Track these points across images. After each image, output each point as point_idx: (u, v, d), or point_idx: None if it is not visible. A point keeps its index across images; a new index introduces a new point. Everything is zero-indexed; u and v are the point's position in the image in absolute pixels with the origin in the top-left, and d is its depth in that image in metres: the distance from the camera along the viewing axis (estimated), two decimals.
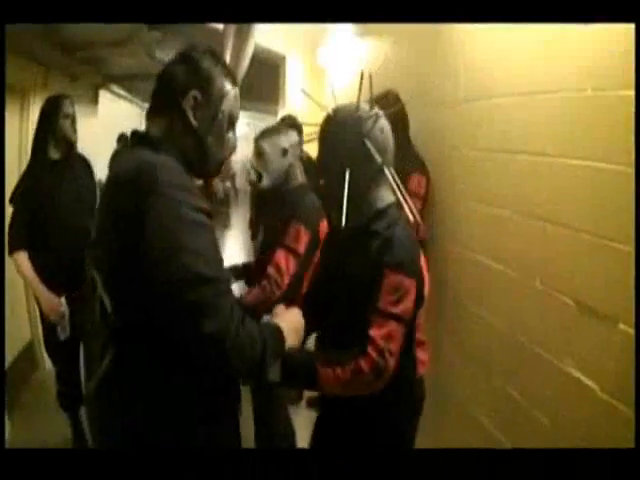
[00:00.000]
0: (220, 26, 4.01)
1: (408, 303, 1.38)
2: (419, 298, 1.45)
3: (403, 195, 1.44)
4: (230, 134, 1.30)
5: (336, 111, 1.49)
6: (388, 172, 1.44)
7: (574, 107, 1.65)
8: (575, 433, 1.61)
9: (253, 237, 3.12)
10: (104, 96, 5.29)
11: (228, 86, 1.26)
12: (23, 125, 3.42)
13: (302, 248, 2.17)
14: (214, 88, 1.23)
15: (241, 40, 3.71)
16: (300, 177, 2.34)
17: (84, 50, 3.72)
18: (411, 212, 1.42)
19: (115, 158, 1.26)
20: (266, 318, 1.40)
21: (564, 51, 1.68)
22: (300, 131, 2.41)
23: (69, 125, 2.61)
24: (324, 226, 2.22)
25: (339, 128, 1.46)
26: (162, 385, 1.14)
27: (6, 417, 2.61)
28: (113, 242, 1.08)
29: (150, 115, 1.25)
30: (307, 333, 1.46)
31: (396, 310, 1.36)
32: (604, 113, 1.52)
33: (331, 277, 1.55)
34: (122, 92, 6.74)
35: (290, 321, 1.33)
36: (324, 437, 1.71)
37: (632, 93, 1.39)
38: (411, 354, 1.55)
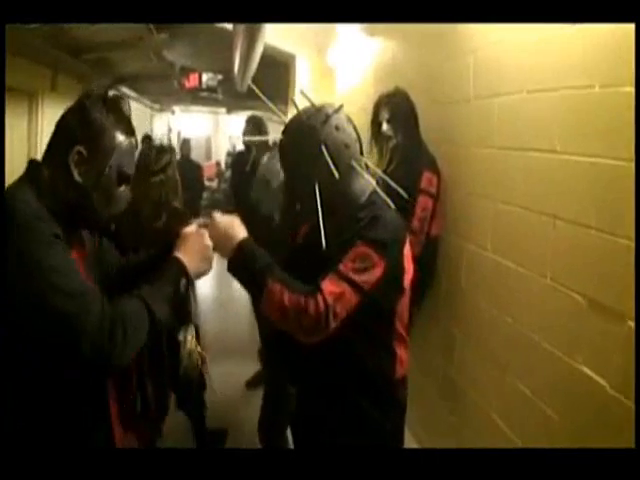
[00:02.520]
0: (229, 26, 4.00)
1: (371, 277, 1.35)
2: (397, 285, 1.45)
3: (374, 172, 1.50)
4: (121, 188, 1.24)
5: (287, 132, 1.48)
6: (357, 165, 1.46)
7: (582, 104, 1.64)
8: (584, 430, 1.61)
9: None
10: None
11: (120, 137, 1.20)
12: (32, 128, 3.44)
13: None
14: (102, 141, 1.17)
15: (251, 39, 3.69)
16: None
17: (92, 52, 3.74)
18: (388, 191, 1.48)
19: None
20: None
21: (571, 48, 1.67)
22: None
23: None
24: None
25: (296, 146, 1.46)
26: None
27: None
28: None
29: (45, 157, 1.21)
30: None
31: (355, 276, 1.34)
32: (612, 110, 1.51)
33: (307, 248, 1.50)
34: (131, 93, 6.76)
35: (192, 246, 1.31)
36: (302, 435, 1.69)
37: (632, 90, 1.40)
38: (390, 348, 1.51)
